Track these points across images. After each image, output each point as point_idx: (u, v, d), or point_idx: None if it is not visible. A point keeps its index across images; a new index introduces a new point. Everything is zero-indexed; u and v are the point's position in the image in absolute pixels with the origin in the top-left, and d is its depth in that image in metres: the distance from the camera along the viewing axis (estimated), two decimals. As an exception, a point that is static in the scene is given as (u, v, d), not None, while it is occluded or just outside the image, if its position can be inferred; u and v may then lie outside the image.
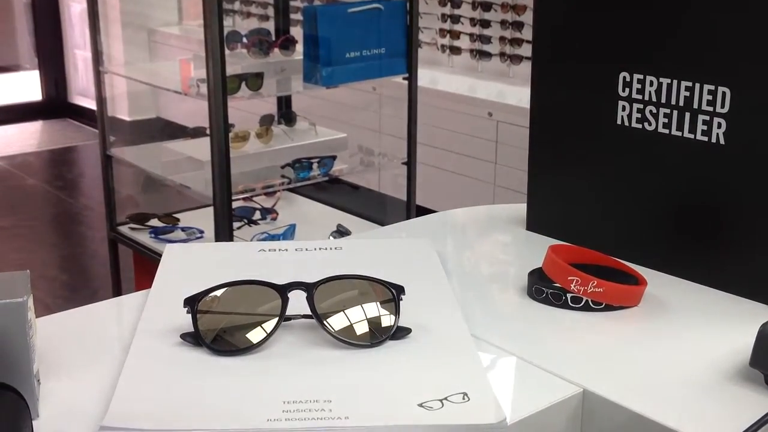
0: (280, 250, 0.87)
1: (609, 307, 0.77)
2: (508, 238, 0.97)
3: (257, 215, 2.44)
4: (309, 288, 0.69)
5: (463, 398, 0.61)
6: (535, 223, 0.96)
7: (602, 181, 0.88)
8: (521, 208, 0.99)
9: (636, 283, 0.79)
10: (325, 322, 0.68)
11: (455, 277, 0.84)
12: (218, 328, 0.68)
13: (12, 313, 0.59)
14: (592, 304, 0.77)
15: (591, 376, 0.67)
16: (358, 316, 0.69)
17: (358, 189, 3.46)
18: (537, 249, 0.87)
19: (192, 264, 0.84)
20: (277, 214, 2.47)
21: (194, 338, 0.68)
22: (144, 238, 2.37)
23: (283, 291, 0.69)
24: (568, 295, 0.77)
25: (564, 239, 0.93)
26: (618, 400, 0.64)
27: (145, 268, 2.40)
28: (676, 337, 0.74)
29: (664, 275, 0.84)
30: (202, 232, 2.36)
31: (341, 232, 2.38)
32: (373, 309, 0.70)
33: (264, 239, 2.25)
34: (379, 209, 3.05)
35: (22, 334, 0.59)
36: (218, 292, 0.69)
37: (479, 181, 3.42)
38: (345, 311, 0.69)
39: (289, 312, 0.69)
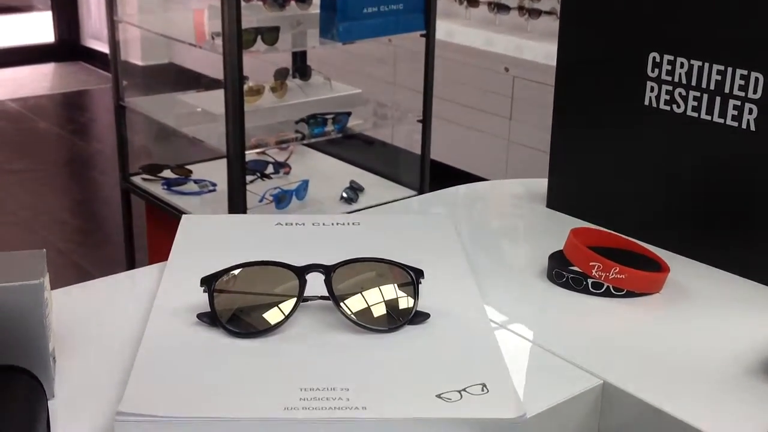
0: (296, 224, 0.86)
1: (630, 294, 0.76)
2: (528, 217, 0.96)
3: (270, 169, 2.43)
4: (327, 271, 0.68)
5: (482, 390, 0.61)
6: (556, 201, 0.95)
7: (627, 162, 0.87)
8: (541, 184, 0.98)
9: (659, 270, 0.78)
10: (342, 305, 0.68)
11: (473, 257, 0.83)
12: (235, 308, 0.67)
13: (28, 295, 0.58)
14: (613, 291, 0.76)
15: (611, 367, 0.66)
16: (376, 300, 0.68)
17: (373, 144, 3.43)
18: (558, 229, 0.86)
19: (208, 236, 0.83)
20: (290, 168, 2.45)
21: (211, 318, 0.67)
22: (157, 189, 2.37)
23: (301, 273, 0.68)
24: (589, 281, 0.76)
25: (585, 219, 0.91)
26: (637, 393, 0.63)
27: (158, 219, 2.40)
28: (698, 326, 0.73)
29: (689, 260, 0.83)
30: (214, 185, 2.35)
31: (354, 188, 2.37)
32: (391, 293, 0.69)
33: (277, 194, 2.24)
34: (393, 165, 3.03)
35: (38, 315, 0.59)
36: (235, 272, 0.68)
37: (494, 136, 3.40)
38: (363, 295, 0.68)
39: (306, 293, 0.68)
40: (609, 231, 0.83)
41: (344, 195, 2.33)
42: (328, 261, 0.69)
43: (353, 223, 0.86)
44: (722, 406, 0.62)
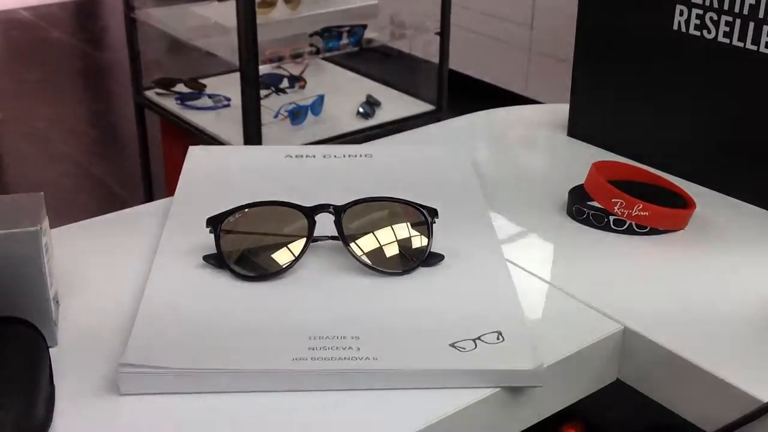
0: (307, 156, 0.83)
1: (654, 231, 0.73)
2: (548, 146, 0.92)
3: (285, 83, 2.38)
4: (337, 211, 0.66)
5: (498, 338, 0.58)
6: (578, 129, 0.91)
7: (653, 89, 0.83)
8: (562, 111, 0.94)
9: (684, 206, 0.75)
10: (353, 248, 0.65)
11: (490, 190, 0.80)
12: (242, 249, 0.65)
13: (26, 243, 0.56)
14: (636, 228, 0.73)
15: (632, 311, 0.63)
16: (388, 242, 0.66)
17: (390, 56, 3.36)
18: (579, 160, 0.83)
19: (215, 170, 0.80)
20: (306, 82, 2.40)
21: (217, 260, 0.65)
22: (170, 104, 2.33)
23: (310, 213, 0.66)
24: (611, 218, 0.73)
25: (607, 149, 0.88)
26: (659, 339, 0.60)
27: (173, 134, 2.37)
28: (724, 266, 0.70)
29: (715, 194, 0.80)
30: (228, 99, 2.31)
31: (371, 103, 2.32)
32: (404, 234, 0.66)
33: (292, 110, 2.20)
34: (410, 77, 2.97)
35: (36, 263, 0.57)
36: (242, 213, 0.66)
37: (514, 46, 3.32)
38: (375, 237, 0.66)
39: (316, 234, 0.66)
40: (633, 164, 0.80)
41: (360, 110, 2.29)
42: (339, 199, 0.67)
43: (365, 155, 0.83)
44: (748, 354, 0.60)
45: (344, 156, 0.83)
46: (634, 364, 0.62)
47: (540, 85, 3.26)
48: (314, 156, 0.83)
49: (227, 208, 0.66)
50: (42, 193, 0.60)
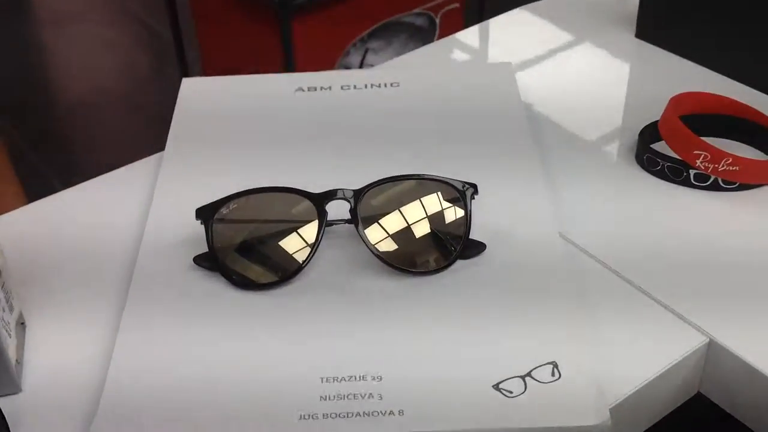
0: (322, 88, 0.69)
1: (743, 186, 0.60)
2: (610, 54, 0.76)
3: None
4: (354, 197, 0.53)
5: (553, 374, 0.47)
6: (648, 30, 0.75)
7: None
8: (631, 4, 0.78)
9: (783, 153, 0.61)
10: (374, 245, 0.53)
11: (538, 124, 0.66)
12: (239, 250, 0.54)
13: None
14: (722, 183, 0.59)
15: (721, 314, 0.51)
16: (417, 234, 0.54)
17: None
18: (650, 75, 0.68)
19: (211, 113, 0.67)
20: None
21: (209, 262, 0.54)
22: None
23: (320, 202, 0.53)
24: (692, 172, 0.60)
25: (684, 55, 0.72)
26: (748, 356, 0.49)
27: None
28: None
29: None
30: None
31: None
32: (436, 221, 0.54)
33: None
34: None
35: (-20, 309, 0.46)
36: (239, 202, 0.54)
37: None
38: (399, 228, 0.54)
39: (329, 218, 0.54)
40: (719, 95, 0.64)
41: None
42: (359, 162, 0.58)
43: (392, 84, 0.69)
44: None
45: (365, 86, 0.69)
46: (717, 377, 0.51)
47: None
48: (330, 88, 0.69)
49: (222, 195, 0.54)
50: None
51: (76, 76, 2.44)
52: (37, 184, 1.94)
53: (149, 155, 0.65)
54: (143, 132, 2.14)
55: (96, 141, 2.16)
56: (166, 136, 0.65)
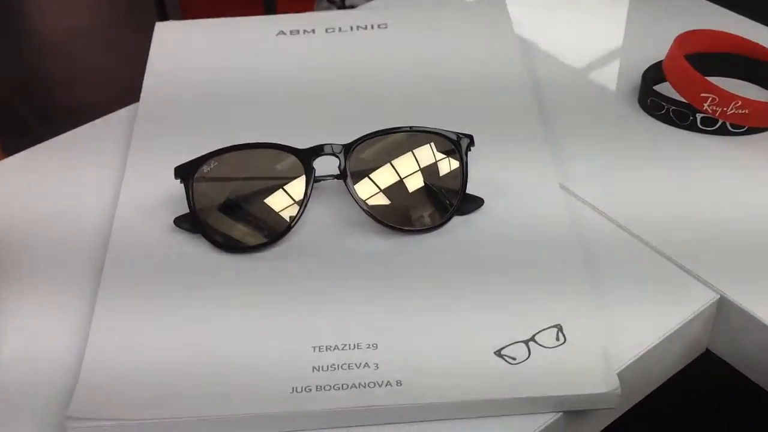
0: (305, 32, 0.65)
1: (752, 130, 0.57)
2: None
3: None
4: (344, 153, 0.50)
5: (557, 337, 0.45)
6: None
7: None
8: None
9: (794, 94, 0.58)
10: (365, 204, 0.50)
11: (535, 64, 0.63)
12: (221, 210, 0.51)
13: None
14: (730, 127, 0.56)
15: (731, 269, 0.49)
16: (410, 189, 0.51)
17: None
18: (652, 11, 0.65)
19: (188, 61, 0.63)
20: None
21: (191, 224, 0.51)
22: None
23: (307, 158, 0.50)
24: (698, 116, 0.56)
25: (688, -9, 0.69)
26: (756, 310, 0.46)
27: None
28: None
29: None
30: None
31: None
32: (430, 176, 0.51)
33: None
34: None
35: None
36: (220, 159, 0.50)
37: None
38: (391, 184, 0.51)
39: (317, 174, 0.50)
40: (726, 32, 0.61)
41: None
42: (347, 111, 0.55)
43: (379, 26, 0.65)
44: None
45: (351, 29, 0.65)
46: (726, 333, 0.49)
47: None
48: (313, 31, 0.65)
49: (202, 152, 0.50)
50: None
51: (51, 16, 2.37)
52: (15, 130, 1.89)
53: (127, 95, 0.61)
54: (120, 70, 2.08)
55: (75, 79, 2.10)
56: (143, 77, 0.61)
